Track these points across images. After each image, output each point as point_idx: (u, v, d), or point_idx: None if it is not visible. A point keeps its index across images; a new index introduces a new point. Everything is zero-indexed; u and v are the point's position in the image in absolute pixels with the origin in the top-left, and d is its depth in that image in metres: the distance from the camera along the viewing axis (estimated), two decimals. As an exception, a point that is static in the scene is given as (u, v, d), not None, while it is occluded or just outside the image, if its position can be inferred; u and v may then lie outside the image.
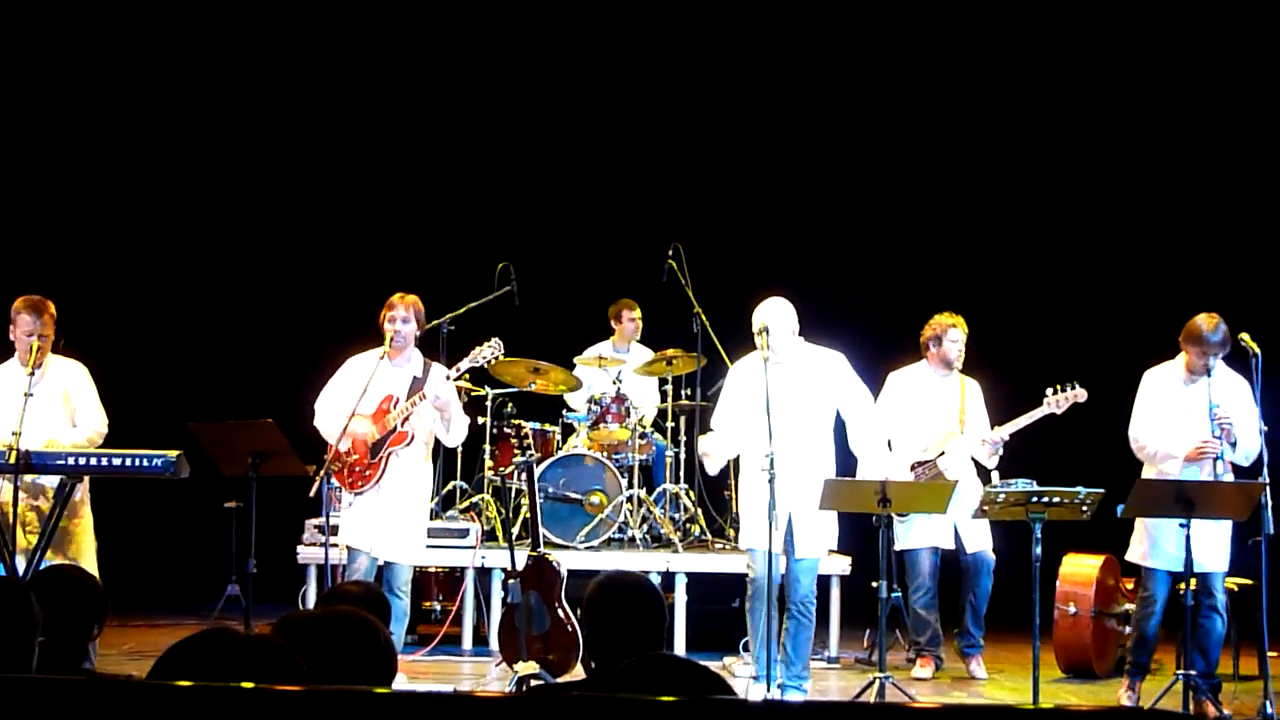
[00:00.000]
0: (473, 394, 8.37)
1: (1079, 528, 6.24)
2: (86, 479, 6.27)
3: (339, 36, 10.36)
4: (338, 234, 10.44)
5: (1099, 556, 7.42)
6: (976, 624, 7.37)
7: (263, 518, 6.03)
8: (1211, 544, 6.15)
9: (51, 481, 6.14)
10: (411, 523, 6.51)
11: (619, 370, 8.78)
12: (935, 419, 7.31)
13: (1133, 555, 6.51)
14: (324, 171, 10.46)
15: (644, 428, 8.59)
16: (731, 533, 8.34)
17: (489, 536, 8.07)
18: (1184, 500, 5.82)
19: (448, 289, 8.50)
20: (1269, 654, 6.42)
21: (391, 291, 6.60)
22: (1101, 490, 5.99)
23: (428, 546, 6.85)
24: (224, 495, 8.39)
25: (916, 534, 7.27)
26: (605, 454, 8.32)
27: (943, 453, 7.21)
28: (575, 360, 8.96)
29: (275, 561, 7.64)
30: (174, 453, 5.95)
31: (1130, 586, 7.26)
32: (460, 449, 8.04)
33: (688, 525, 8.46)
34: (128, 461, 5.95)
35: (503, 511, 8.25)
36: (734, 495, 7.86)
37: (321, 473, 6.21)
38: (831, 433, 6.32)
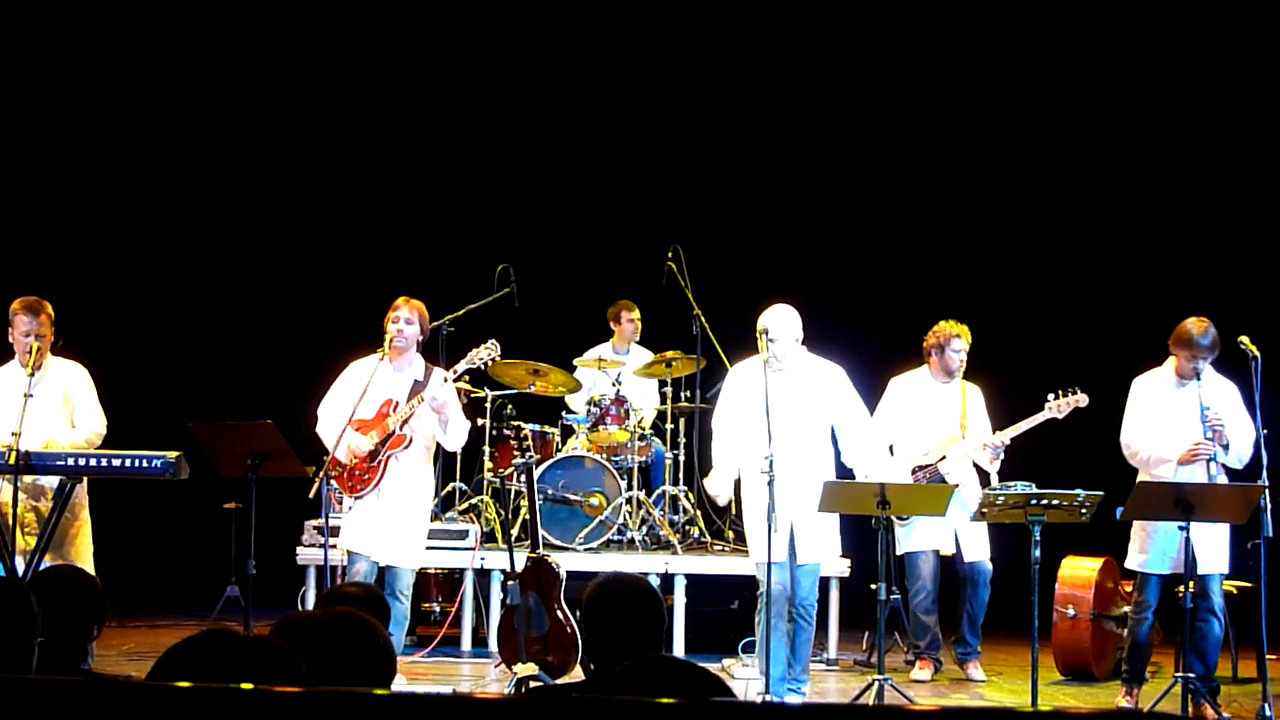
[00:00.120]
0: (472, 396, 8.38)
1: (1078, 530, 6.24)
2: (85, 480, 6.27)
3: (340, 38, 10.36)
4: (338, 235, 10.45)
5: (1098, 559, 7.42)
6: (973, 633, 7.38)
7: (262, 519, 6.04)
8: (1208, 547, 6.16)
9: (51, 482, 6.15)
10: (412, 526, 6.50)
11: (618, 372, 8.78)
12: (937, 424, 7.32)
13: (1131, 562, 6.53)
14: (324, 173, 10.47)
15: (643, 430, 8.59)
16: (731, 535, 8.34)
17: (488, 538, 8.07)
18: (1183, 503, 5.82)
19: (447, 291, 8.50)
20: (1268, 657, 6.42)
21: (391, 293, 6.60)
22: (1100, 493, 6.00)
23: (427, 548, 6.84)
24: (223, 496, 8.40)
25: (918, 537, 7.27)
26: (604, 456, 8.32)
27: (944, 457, 7.22)
28: (575, 362, 8.96)
29: (274, 563, 7.65)
30: (173, 454, 5.95)
31: (1129, 589, 7.27)
32: (460, 450, 8.04)
33: (687, 527, 8.46)
34: (127, 462, 5.95)
35: (502, 513, 8.25)
36: (733, 498, 7.85)
37: (321, 474, 6.21)
38: (830, 440, 6.33)
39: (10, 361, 6.37)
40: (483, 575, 7.90)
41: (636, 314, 9.24)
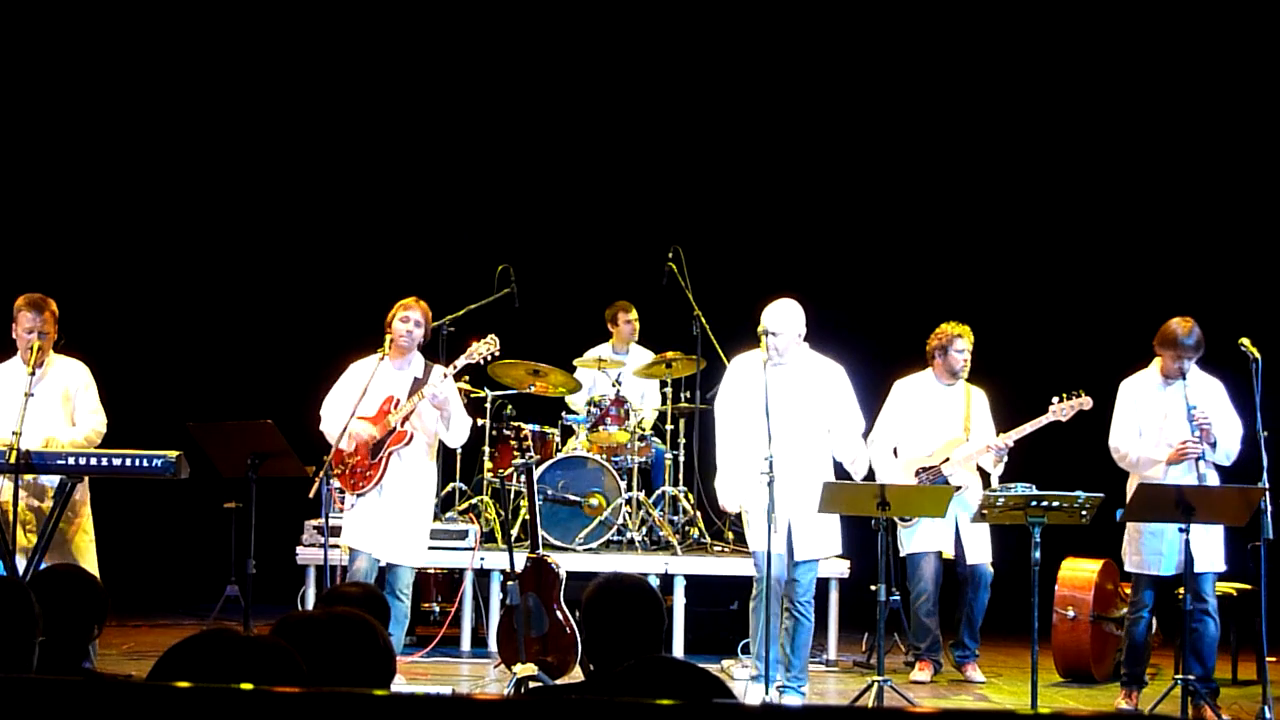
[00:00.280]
0: (472, 395, 8.38)
1: (1078, 532, 6.25)
2: (87, 479, 6.27)
3: (341, 38, 10.37)
4: (338, 235, 10.45)
5: (1098, 561, 7.42)
6: (972, 636, 7.38)
7: (262, 519, 6.04)
8: (1201, 546, 6.15)
9: (52, 481, 6.14)
10: (414, 525, 6.50)
11: (618, 373, 8.79)
12: (940, 426, 7.32)
13: (1128, 565, 6.56)
14: (325, 173, 10.47)
15: (643, 430, 8.60)
16: (730, 536, 8.34)
17: (488, 538, 8.07)
18: (1184, 505, 5.83)
19: (448, 291, 8.50)
20: (1268, 659, 6.42)
21: (391, 292, 6.60)
22: (1101, 495, 6.01)
23: (427, 547, 6.84)
24: (224, 496, 8.40)
25: (920, 539, 7.27)
26: (604, 456, 8.32)
27: (947, 459, 7.22)
28: (575, 362, 8.96)
29: (274, 562, 7.65)
30: (174, 453, 5.95)
31: (1129, 591, 7.27)
32: (459, 450, 8.05)
33: (686, 528, 8.46)
34: (128, 461, 5.95)
35: (502, 513, 8.25)
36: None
37: (321, 474, 6.21)
38: (826, 437, 6.31)
39: (13, 358, 6.36)
40: (482, 575, 7.90)
41: (634, 315, 9.24)
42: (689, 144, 10.54)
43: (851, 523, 6.75)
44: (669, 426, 8.73)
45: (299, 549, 7.89)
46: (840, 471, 6.45)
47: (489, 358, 6.54)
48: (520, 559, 6.66)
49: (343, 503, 6.73)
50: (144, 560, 9.17)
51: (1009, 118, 10.31)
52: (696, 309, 8.52)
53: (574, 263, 10.25)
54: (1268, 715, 6.08)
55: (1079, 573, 7.46)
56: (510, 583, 6.51)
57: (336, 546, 6.69)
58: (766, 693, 5.93)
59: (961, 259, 10.28)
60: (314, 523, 7.81)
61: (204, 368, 10.12)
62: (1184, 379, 6.31)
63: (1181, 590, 6.08)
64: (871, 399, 7.51)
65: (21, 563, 6.00)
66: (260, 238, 10.39)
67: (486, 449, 8.50)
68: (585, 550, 8.01)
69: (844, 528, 6.66)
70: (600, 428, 8.46)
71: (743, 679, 6.85)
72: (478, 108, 10.58)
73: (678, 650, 7.65)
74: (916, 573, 7.30)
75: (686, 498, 8.52)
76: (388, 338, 6.42)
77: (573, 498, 8.15)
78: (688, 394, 8.86)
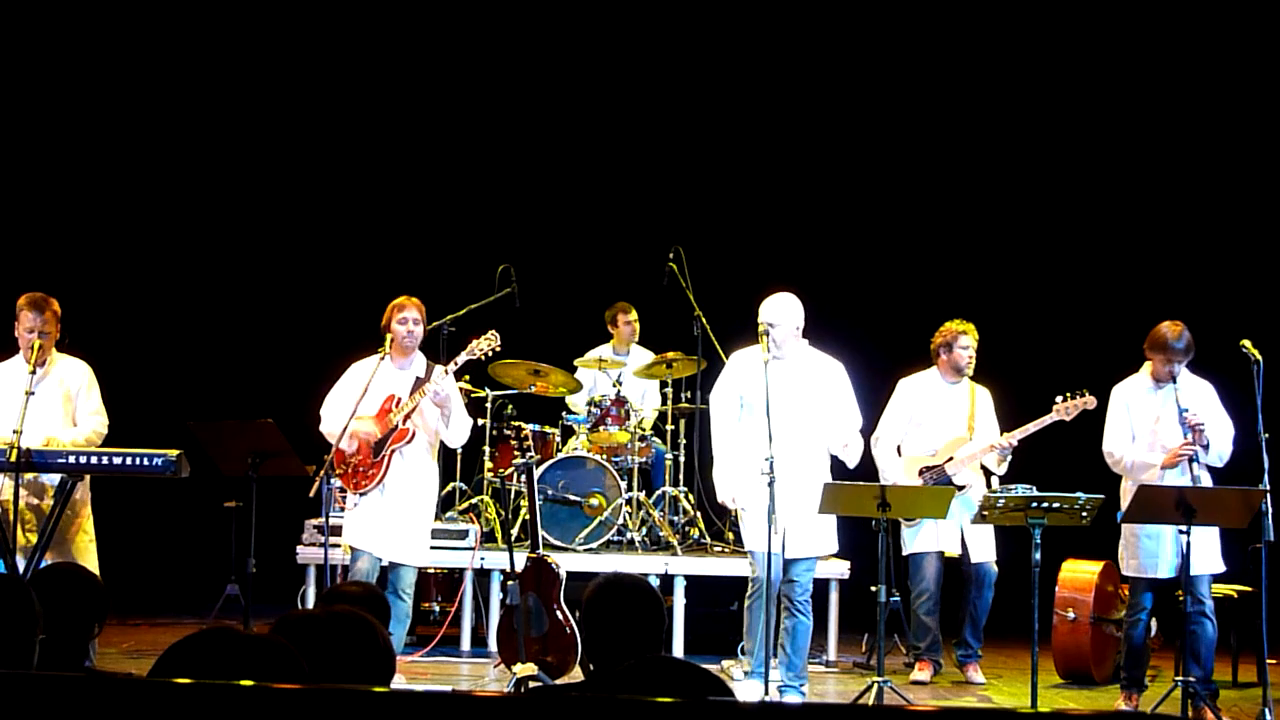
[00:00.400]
0: (473, 395, 8.38)
1: (1078, 534, 6.25)
2: (88, 479, 6.27)
3: (342, 38, 10.37)
4: (339, 234, 10.45)
5: (1098, 563, 7.42)
6: (975, 635, 7.38)
7: (262, 518, 6.04)
8: (1197, 548, 6.15)
9: (53, 480, 6.14)
10: (417, 524, 6.50)
11: (619, 373, 8.79)
12: (944, 425, 7.32)
13: (1125, 569, 6.57)
14: (326, 173, 10.47)
15: (644, 430, 8.60)
16: (730, 536, 8.34)
17: (488, 538, 8.07)
18: (1185, 507, 5.83)
19: (448, 290, 8.50)
20: (1268, 661, 6.42)
21: (392, 292, 6.60)
22: (1101, 496, 6.02)
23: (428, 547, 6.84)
24: (224, 495, 8.40)
25: (923, 538, 7.27)
26: (605, 456, 8.32)
27: (951, 458, 7.22)
28: (575, 362, 8.97)
29: (275, 562, 7.65)
30: (174, 452, 5.95)
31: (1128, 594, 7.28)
32: (460, 450, 8.05)
33: (687, 528, 8.46)
34: (128, 460, 5.95)
35: (502, 513, 8.25)
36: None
37: (321, 473, 6.20)
38: (825, 433, 6.30)
39: (15, 356, 6.36)
40: (482, 575, 7.90)
41: (634, 315, 9.24)
42: (690, 144, 10.54)
43: (852, 523, 6.75)
44: (669, 427, 8.73)
45: (299, 548, 7.89)
46: (838, 470, 6.44)
47: (490, 354, 6.54)
48: (520, 559, 6.66)
49: (344, 501, 6.73)
50: (144, 559, 9.16)
51: (1012, 116, 10.31)
52: (697, 309, 8.52)
53: (575, 263, 10.25)
54: (1268, 717, 6.08)
55: (1079, 574, 7.46)
56: (510, 582, 6.51)
57: (337, 546, 6.68)
58: (765, 692, 5.93)
59: (965, 258, 10.27)
60: (314, 522, 7.81)
61: (205, 367, 10.12)
62: (1174, 382, 6.36)
63: (1180, 592, 6.08)
64: (874, 398, 7.51)
65: (21, 562, 5.99)
66: (261, 237, 10.39)
67: (487, 449, 8.50)
68: (585, 550, 8.01)
69: (845, 528, 6.66)
70: (601, 428, 8.46)
71: (742, 680, 6.84)
72: (479, 108, 10.58)
73: (677, 651, 7.65)
74: (919, 572, 7.29)
75: (687, 498, 8.52)
76: (388, 338, 6.42)
77: (573, 498, 8.15)
78: (688, 394, 8.86)
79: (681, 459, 8.64)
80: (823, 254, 10.35)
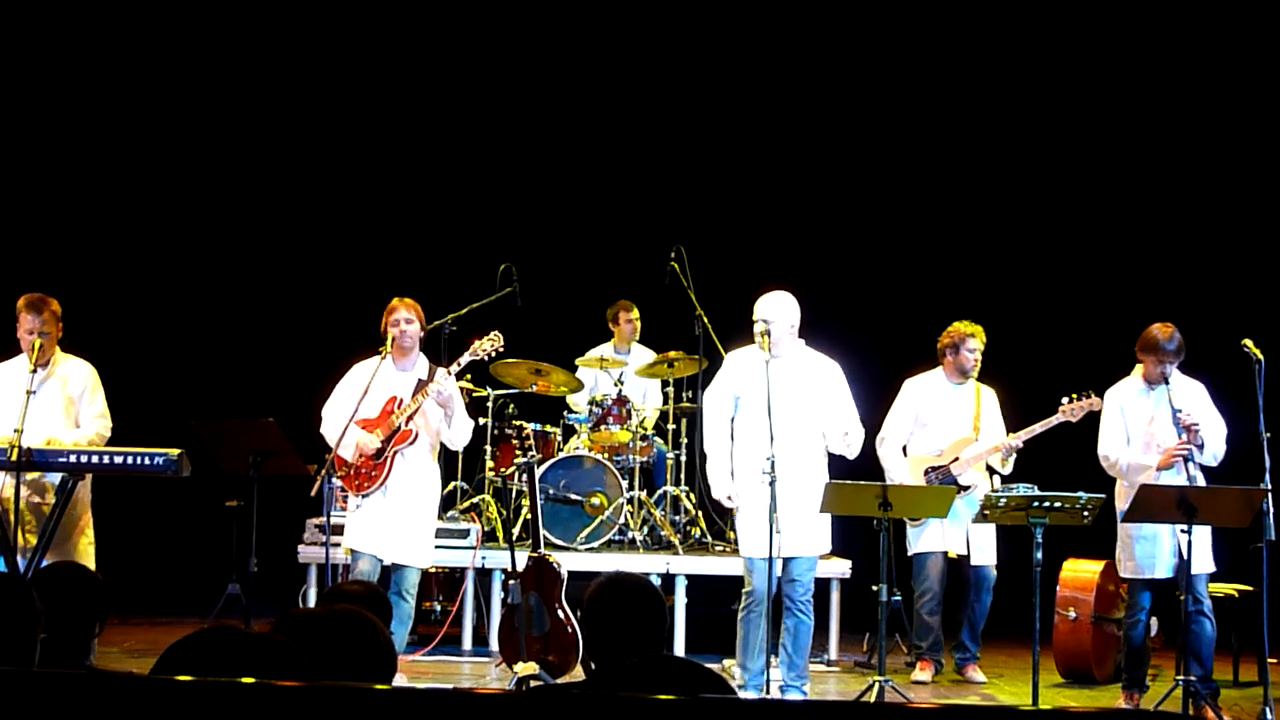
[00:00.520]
0: (474, 395, 8.38)
1: (1080, 533, 6.25)
2: (89, 479, 6.27)
3: (342, 36, 10.36)
4: (340, 233, 10.45)
5: (1099, 562, 7.42)
6: (973, 639, 7.38)
7: (264, 517, 6.04)
8: (1193, 548, 6.15)
9: (55, 480, 6.14)
10: (420, 525, 6.49)
11: (620, 372, 8.79)
12: (950, 425, 7.32)
13: (1123, 570, 6.58)
14: (328, 172, 10.47)
15: (645, 430, 8.59)
16: (732, 535, 8.32)
17: (489, 537, 8.07)
18: (1186, 506, 5.83)
19: (450, 290, 8.50)
20: (1269, 660, 6.42)
21: (393, 291, 6.60)
22: (1102, 496, 6.02)
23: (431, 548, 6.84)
24: (225, 494, 8.40)
25: (928, 538, 7.27)
26: (606, 456, 8.32)
27: (956, 458, 7.22)
28: (577, 362, 8.97)
29: (276, 561, 7.65)
30: (175, 451, 5.94)
31: (1129, 593, 7.28)
32: (462, 450, 8.04)
33: (688, 527, 8.45)
34: (129, 459, 5.95)
35: (503, 512, 8.25)
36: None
37: (323, 472, 6.20)
38: (821, 433, 6.29)
39: (19, 356, 6.35)
40: (484, 574, 7.90)
41: (635, 314, 9.24)
42: (691, 143, 10.53)
43: (853, 522, 6.74)
44: (671, 426, 8.73)
45: (300, 548, 7.89)
46: (838, 468, 6.42)
47: (493, 355, 6.54)
48: (522, 558, 6.66)
49: (345, 502, 6.72)
50: (145, 558, 9.16)
51: (1015, 114, 10.29)
52: (699, 308, 8.51)
53: (576, 262, 10.25)
54: (1269, 716, 6.08)
55: (1080, 574, 7.46)
56: (512, 582, 6.51)
57: (338, 545, 6.67)
58: (766, 692, 5.92)
59: (971, 258, 10.25)
60: (315, 521, 7.81)
61: (206, 366, 10.12)
62: (1167, 383, 6.38)
63: (1182, 595, 6.08)
64: (877, 398, 7.51)
65: (22, 562, 5.99)
66: (262, 237, 10.38)
67: (488, 448, 8.50)
68: (587, 550, 8.01)
69: (846, 527, 6.66)
70: (602, 427, 8.46)
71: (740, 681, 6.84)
72: (480, 107, 10.57)
73: (678, 650, 7.64)
74: (922, 571, 7.29)
75: (688, 497, 8.51)
76: (389, 338, 6.42)
77: (574, 497, 8.15)
78: (689, 393, 8.86)
79: (683, 458, 8.63)
80: (825, 254, 10.34)
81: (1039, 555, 5.86)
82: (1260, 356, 6.27)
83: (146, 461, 5.94)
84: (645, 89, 10.48)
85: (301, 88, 10.38)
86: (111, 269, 10.06)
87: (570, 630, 6.61)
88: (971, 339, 7.34)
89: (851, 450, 6.26)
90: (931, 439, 7.33)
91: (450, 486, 8.43)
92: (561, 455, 8.33)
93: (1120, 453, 6.50)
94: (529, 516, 7.14)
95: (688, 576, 7.81)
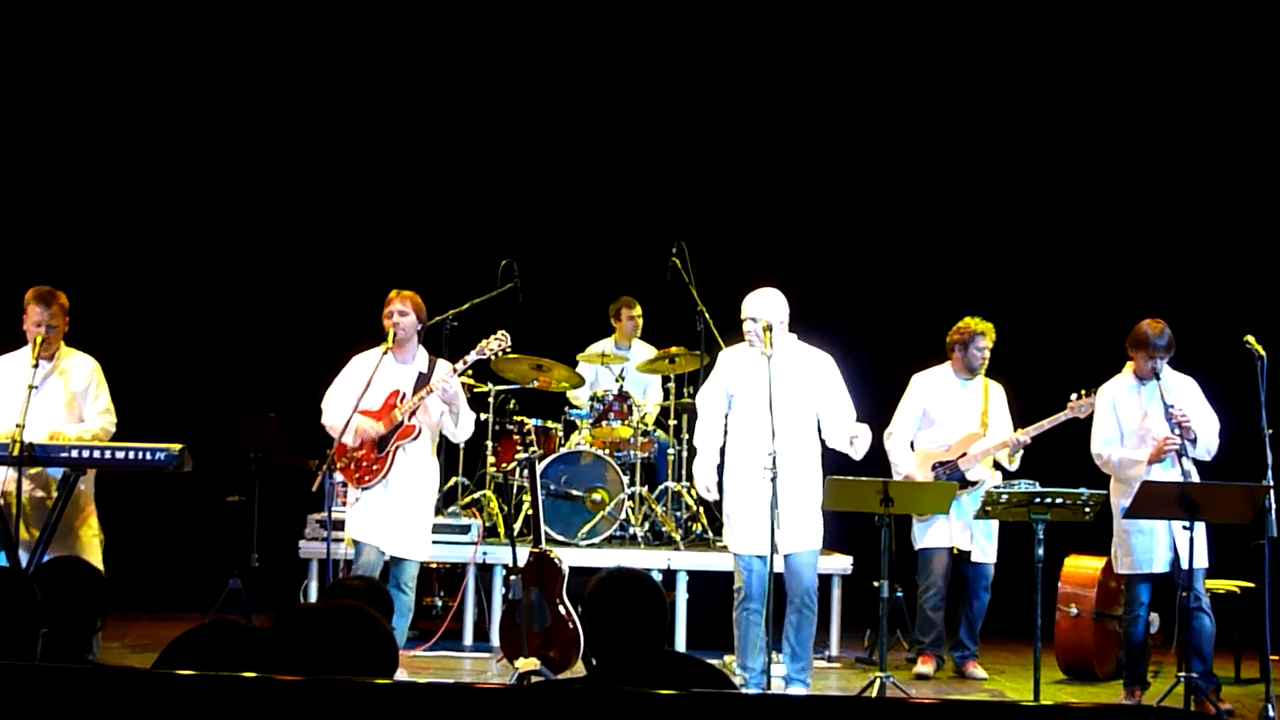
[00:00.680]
0: (475, 390, 8.38)
1: (1082, 530, 6.25)
2: (92, 474, 6.26)
3: (343, 33, 10.36)
4: (342, 229, 10.44)
5: (1101, 558, 7.41)
6: (972, 637, 7.39)
7: (265, 512, 6.04)
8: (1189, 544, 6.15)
9: (59, 474, 6.13)
10: (420, 518, 6.50)
11: (622, 368, 8.79)
12: (958, 420, 7.32)
13: (1119, 567, 6.58)
14: (329, 167, 10.46)
15: (646, 425, 8.59)
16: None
17: (490, 533, 8.08)
18: (1188, 502, 5.82)
19: (451, 285, 8.50)
20: (1271, 657, 6.42)
21: (395, 286, 6.60)
22: (1104, 492, 6.03)
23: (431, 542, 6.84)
24: (227, 489, 8.39)
25: (935, 534, 7.27)
26: (607, 451, 8.32)
27: (964, 453, 7.22)
28: (578, 357, 8.97)
29: (277, 556, 7.64)
30: (177, 446, 5.94)
31: (1129, 590, 7.28)
32: (463, 445, 8.05)
33: (689, 523, 8.45)
34: (131, 454, 5.95)
35: (504, 508, 8.26)
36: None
37: (324, 467, 6.20)
38: (815, 427, 6.29)
39: (23, 348, 6.33)
40: (485, 570, 7.90)
41: (637, 310, 9.24)
42: (693, 139, 10.52)
43: (855, 518, 6.74)
44: (672, 422, 8.73)
45: (302, 542, 7.89)
46: (838, 464, 6.41)
47: (500, 354, 6.56)
48: (523, 554, 6.66)
49: (346, 497, 6.72)
50: (147, 553, 9.16)
51: (1020, 111, 10.27)
52: (700, 304, 8.50)
53: (578, 258, 10.24)
54: (1270, 713, 6.08)
55: (1082, 570, 7.46)
56: (513, 577, 6.51)
57: (340, 540, 6.68)
58: (767, 687, 5.92)
59: (978, 254, 10.22)
60: (317, 516, 7.81)
61: (208, 361, 10.12)
62: (1158, 379, 6.39)
63: (1185, 592, 6.09)
64: (878, 394, 7.51)
65: (25, 557, 5.99)
66: (264, 231, 10.38)
67: (490, 444, 8.50)
68: (588, 545, 8.01)
69: (848, 523, 6.65)
70: (603, 423, 8.46)
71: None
72: (481, 102, 10.57)
73: (679, 646, 7.64)
74: (927, 567, 7.29)
75: (689, 493, 8.50)
76: (390, 332, 6.42)
77: (575, 493, 8.15)
78: (691, 389, 8.85)
79: (684, 454, 8.62)
80: (826, 250, 10.33)
81: (1040, 551, 5.86)
82: (1263, 353, 6.27)
83: (148, 456, 5.94)
84: (646, 84, 10.47)
85: (304, 83, 10.37)
86: (113, 264, 10.06)
87: (571, 626, 6.61)
88: (981, 337, 7.34)
89: (858, 452, 6.24)
90: (939, 434, 7.33)
91: (452, 482, 8.44)
92: (563, 451, 8.33)
93: (1112, 450, 6.52)
94: (530, 512, 7.14)
95: (689, 572, 7.81)
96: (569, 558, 6.99)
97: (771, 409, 5.87)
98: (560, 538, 7.95)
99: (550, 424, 8.60)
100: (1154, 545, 6.37)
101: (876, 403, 7.47)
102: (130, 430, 6.53)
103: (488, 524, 8.06)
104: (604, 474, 8.19)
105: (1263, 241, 9.85)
